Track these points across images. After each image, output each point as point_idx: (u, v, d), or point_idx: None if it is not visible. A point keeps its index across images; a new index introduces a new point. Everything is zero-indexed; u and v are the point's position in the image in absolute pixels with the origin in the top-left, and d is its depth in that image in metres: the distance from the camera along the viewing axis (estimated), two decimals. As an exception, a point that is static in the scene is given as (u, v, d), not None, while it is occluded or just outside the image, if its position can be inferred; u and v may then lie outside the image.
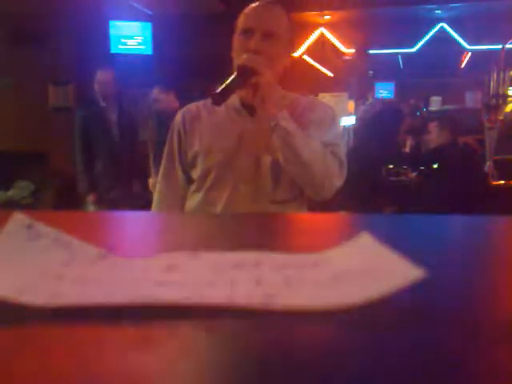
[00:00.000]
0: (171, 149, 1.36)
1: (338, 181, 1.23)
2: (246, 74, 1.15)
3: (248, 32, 1.23)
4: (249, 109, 1.27)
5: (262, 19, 1.24)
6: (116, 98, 3.36)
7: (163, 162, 1.38)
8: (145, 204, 3.06)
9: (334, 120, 1.31)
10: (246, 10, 1.27)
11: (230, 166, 1.27)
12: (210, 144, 1.29)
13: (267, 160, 1.25)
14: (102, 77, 3.30)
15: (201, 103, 1.40)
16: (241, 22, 1.27)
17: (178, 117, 1.36)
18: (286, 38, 1.27)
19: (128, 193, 3.24)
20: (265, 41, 1.21)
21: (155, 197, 1.39)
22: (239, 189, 1.26)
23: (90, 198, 3.18)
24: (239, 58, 1.18)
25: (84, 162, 3.18)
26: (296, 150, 1.15)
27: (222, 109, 1.31)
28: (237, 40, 1.26)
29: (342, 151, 1.26)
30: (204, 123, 1.32)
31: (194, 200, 1.32)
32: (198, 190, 1.31)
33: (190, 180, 1.35)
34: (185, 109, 1.38)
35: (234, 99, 1.31)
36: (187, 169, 1.34)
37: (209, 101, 1.40)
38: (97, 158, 3.22)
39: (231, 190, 1.26)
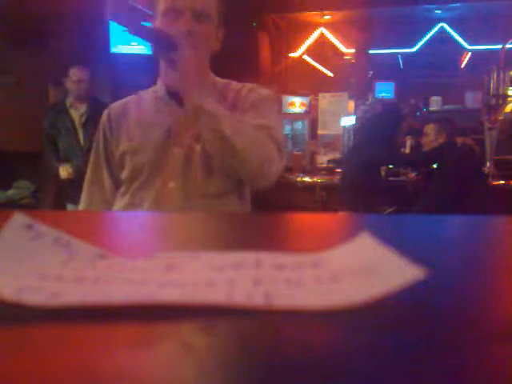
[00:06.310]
0: (97, 152, 1.27)
1: (278, 166, 1.13)
2: (164, 44, 1.06)
3: (175, 12, 1.12)
4: (176, 98, 1.18)
5: None
6: (86, 98, 3.15)
7: (89, 166, 1.29)
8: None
9: (268, 103, 1.21)
10: None
11: (159, 163, 1.17)
12: (138, 141, 1.20)
13: (197, 150, 1.16)
14: (77, 74, 3.06)
15: (128, 99, 1.29)
16: (162, 1, 1.14)
17: (104, 117, 1.26)
18: (216, 19, 1.18)
19: None
20: (196, 21, 1.11)
21: (81, 202, 1.30)
22: (168, 185, 1.17)
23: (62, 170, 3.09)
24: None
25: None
26: (226, 136, 1.04)
27: (149, 102, 1.23)
28: (161, 23, 1.14)
29: (280, 134, 1.17)
30: (131, 119, 1.23)
31: (120, 203, 1.22)
32: (125, 193, 1.22)
33: (118, 184, 1.25)
34: (110, 107, 1.28)
35: (160, 89, 1.22)
36: (115, 172, 1.25)
37: (136, 95, 1.28)
38: (65, 161, 3.13)
39: (159, 188, 1.17)
